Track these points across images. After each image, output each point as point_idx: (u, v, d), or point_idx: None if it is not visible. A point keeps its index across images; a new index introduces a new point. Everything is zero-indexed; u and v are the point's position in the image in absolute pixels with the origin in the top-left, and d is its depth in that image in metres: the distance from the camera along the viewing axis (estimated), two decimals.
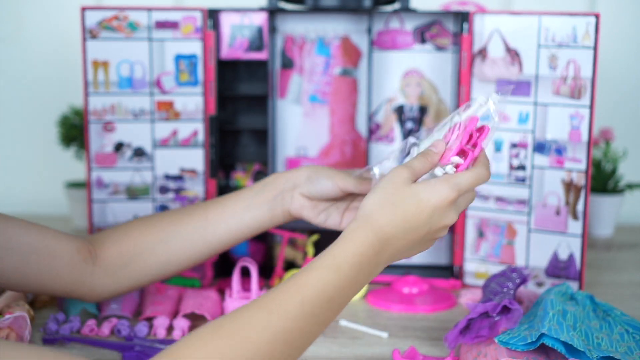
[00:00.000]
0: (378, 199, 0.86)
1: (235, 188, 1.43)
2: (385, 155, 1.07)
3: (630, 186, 1.64)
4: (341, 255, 0.82)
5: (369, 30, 1.33)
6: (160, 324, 1.11)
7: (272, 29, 1.36)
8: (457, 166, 0.91)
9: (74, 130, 1.59)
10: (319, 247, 1.33)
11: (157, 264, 1.08)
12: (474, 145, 0.92)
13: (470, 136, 0.92)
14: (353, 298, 1.25)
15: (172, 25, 1.30)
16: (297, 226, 1.38)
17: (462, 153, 0.92)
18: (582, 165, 1.23)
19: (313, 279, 0.80)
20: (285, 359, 0.78)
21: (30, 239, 0.99)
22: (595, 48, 1.20)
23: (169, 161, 1.32)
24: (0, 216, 0.99)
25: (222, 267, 1.34)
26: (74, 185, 1.66)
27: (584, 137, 1.22)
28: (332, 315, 0.82)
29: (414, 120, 1.38)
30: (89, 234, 1.09)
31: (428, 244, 0.89)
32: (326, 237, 1.35)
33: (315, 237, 1.30)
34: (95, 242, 1.06)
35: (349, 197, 1.08)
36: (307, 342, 0.80)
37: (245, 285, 1.21)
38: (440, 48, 1.36)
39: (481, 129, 0.93)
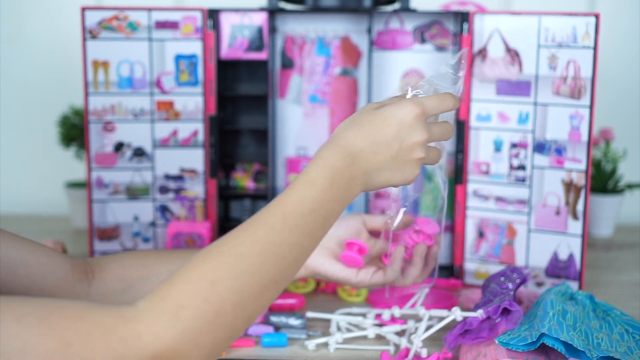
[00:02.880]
0: (346, 122, 0.89)
1: (236, 188, 1.43)
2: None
3: (630, 186, 1.64)
4: (313, 171, 0.84)
5: (369, 30, 1.33)
6: None
7: (272, 29, 1.36)
8: None
9: (74, 130, 1.59)
10: None
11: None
12: None
13: None
14: (354, 299, 1.25)
15: (172, 25, 1.30)
16: None
17: None
18: (582, 165, 1.23)
19: (291, 195, 0.82)
20: (280, 273, 0.79)
21: (20, 252, 0.93)
22: (595, 48, 1.20)
23: (169, 161, 1.32)
24: None
25: None
26: (74, 185, 1.66)
27: (584, 137, 1.22)
28: (319, 227, 0.83)
29: None
30: (89, 257, 1.05)
31: (406, 166, 0.90)
32: None
33: None
34: (95, 265, 1.01)
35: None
36: (299, 256, 0.81)
37: None
38: (440, 48, 1.37)
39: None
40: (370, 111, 0.90)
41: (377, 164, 0.88)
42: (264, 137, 1.38)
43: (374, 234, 1.14)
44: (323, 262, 1.07)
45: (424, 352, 1.02)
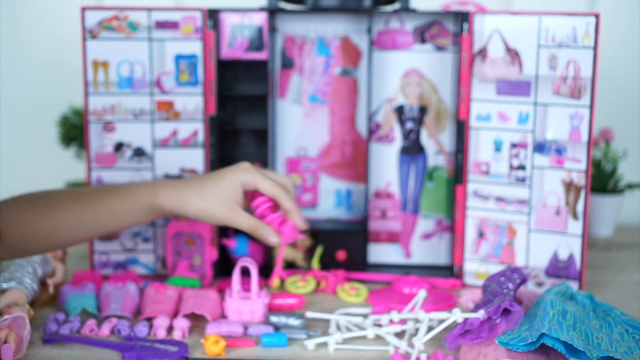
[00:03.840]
0: None
1: None
2: None
3: (630, 186, 1.64)
4: None
5: (369, 30, 1.33)
6: (160, 324, 1.11)
7: (272, 29, 1.36)
8: None
9: (74, 130, 1.59)
10: (323, 259, 1.34)
11: (52, 246, 1.13)
12: None
13: None
14: (354, 299, 1.25)
15: (172, 25, 1.30)
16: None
17: None
18: (582, 165, 1.23)
19: None
20: None
21: None
22: (595, 48, 1.20)
23: (169, 161, 1.32)
24: None
25: (222, 267, 1.34)
26: (74, 185, 1.66)
27: (584, 137, 1.22)
28: None
29: (414, 120, 1.38)
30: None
31: None
32: (329, 248, 1.36)
33: (319, 250, 1.31)
34: (1, 221, 1.08)
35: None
36: None
37: (245, 285, 1.21)
38: (440, 48, 1.37)
39: None
40: None
41: None
42: (264, 137, 1.38)
43: (250, 194, 1.16)
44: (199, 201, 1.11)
45: (423, 357, 1.02)
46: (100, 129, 1.31)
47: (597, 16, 1.20)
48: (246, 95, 1.40)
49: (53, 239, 1.12)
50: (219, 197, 1.11)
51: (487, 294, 1.13)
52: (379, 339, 1.10)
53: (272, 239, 1.12)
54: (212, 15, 1.30)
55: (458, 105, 1.30)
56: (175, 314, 1.16)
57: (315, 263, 1.34)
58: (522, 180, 1.27)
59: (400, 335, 1.10)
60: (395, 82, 1.38)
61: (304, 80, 1.41)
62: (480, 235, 1.31)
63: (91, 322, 1.12)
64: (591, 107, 1.22)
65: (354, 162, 1.42)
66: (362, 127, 1.41)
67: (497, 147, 1.29)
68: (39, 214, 1.10)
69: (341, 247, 1.33)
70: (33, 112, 1.79)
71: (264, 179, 1.12)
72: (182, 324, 1.11)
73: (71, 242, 1.14)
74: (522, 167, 1.27)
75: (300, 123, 1.42)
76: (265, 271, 1.34)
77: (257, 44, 1.35)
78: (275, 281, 1.31)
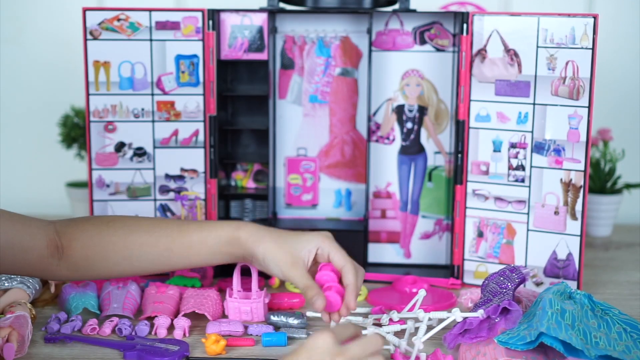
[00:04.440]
0: None
1: (236, 188, 1.44)
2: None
3: (629, 186, 1.65)
4: None
5: (369, 31, 1.34)
6: (161, 324, 1.11)
7: (273, 30, 1.37)
8: None
9: (76, 130, 1.59)
10: None
11: (118, 271, 1.12)
12: None
13: None
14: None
15: (173, 25, 1.30)
16: (297, 226, 1.39)
17: None
18: (581, 166, 1.24)
19: None
20: None
21: (7, 236, 1.02)
22: (593, 49, 1.21)
23: (169, 161, 1.33)
24: None
25: (222, 267, 1.35)
26: (75, 185, 1.67)
27: (583, 137, 1.23)
28: None
29: (413, 120, 1.39)
30: (57, 220, 1.12)
31: None
32: None
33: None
34: (64, 237, 1.08)
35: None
36: None
37: (246, 285, 1.21)
38: (440, 48, 1.37)
39: None
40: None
41: None
42: (264, 137, 1.39)
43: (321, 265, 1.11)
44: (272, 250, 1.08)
45: (423, 357, 1.02)
46: (101, 129, 1.31)
47: (595, 17, 1.21)
48: (246, 95, 1.40)
49: (123, 264, 1.10)
50: (290, 250, 1.07)
51: (486, 293, 1.13)
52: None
53: (318, 303, 1.04)
54: (213, 16, 1.31)
55: (457, 105, 1.30)
56: (176, 314, 1.16)
57: None
58: (521, 180, 1.28)
59: (400, 334, 1.11)
60: (395, 83, 1.39)
61: (304, 81, 1.41)
62: (480, 234, 1.32)
63: (92, 322, 1.13)
64: (589, 107, 1.22)
65: (354, 162, 1.43)
66: (362, 127, 1.42)
67: (497, 147, 1.29)
68: (113, 236, 1.09)
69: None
70: (34, 112, 1.79)
71: (339, 250, 1.08)
72: (182, 323, 1.11)
73: (139, 270, 1.12)
74: (521, 167, 1.28)
75: (300, 123, 1.43)
76: None
77: (257, 44, 1.36)
78: (275, 281, 1.31)
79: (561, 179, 1.25)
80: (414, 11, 1.33)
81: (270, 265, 1.07)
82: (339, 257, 1.08)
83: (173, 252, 1.10)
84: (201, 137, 1.33)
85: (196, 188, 1.34)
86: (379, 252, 1.42)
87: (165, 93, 1.32)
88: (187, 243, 1.10)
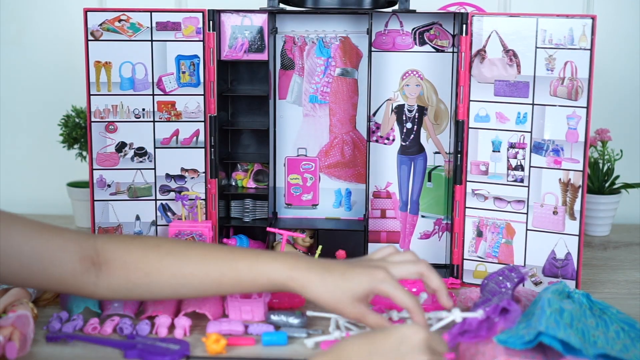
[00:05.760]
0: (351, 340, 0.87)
1: (236, 188, 1.44)
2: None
3: (627, 186, 1.65)
4: None
5: (369, 31, 1.34)
6: (162, 323, 1.12)
7: (273, 30, 1.37)
8: None
9: (77, 130, 1.60)
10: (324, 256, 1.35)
11: (161, 297, 1.10)
12: None
13: None
14: None
15: (174, 26, 1.31)
16: (297, 225, 1.39)
17: None
18: (579, 166, 1.24)
19: None
20: None
21: (33, 246, 0.99)
22: (591, 49, 1.22)
23: (170, 161, 1.33)
24: (4, 218, 0.99)
25: None
26: (76, 185, 1.67)
27: (581, 137, 1.24)
28: None
29: (413, 120, 1.40)
30: (99, 234, 1.07)
31: None
32: (329, 248, 1.36)
33: (319, 250, 1.32)
34: (102, 254, 1.04)
35: None
36: None
37: None
38: (439, 49, 1.38)
39: None
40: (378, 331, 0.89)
41: None
42: (264, 137, 1.39)
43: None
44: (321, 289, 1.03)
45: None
46: (102, 129, 1.32)
47: (593, 18, 1.21)
48: (247, 95, 1.41)
49: (167, 291, 1.06)
50: (341, 297, 1.02)
51: (485, 293, 1.14)
52: None
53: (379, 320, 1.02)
54: (213, 17, 1.31)
55: (457, 105, 1.31)
56: (176, 313, 1.17)
57: None
58: (520, 180, 1.28)
59: None
60: (394, 83, 1.39)
61: (304, 81, 1.42)
62: (479, 234, 1.32)
63: (94, 321, 1.13)
64: (588, 107, 1.23)
65: (354, 162, 1.43)
66: (362, 127, 1.42)
67: (496, 147, 1.30)
68: (160, 262, 1.05)
69: (341, 246, 1.33)
70: (36, 112, 1.79)
71: (397, 292, 1.00)
72: (183, 323, 1.12)
73: (183, 296, 1.10)
74: (520, 167, 1.28)
75: (301, 123, 1.43)
76: None
77: (257, 44, 1.36)
78: None
79: (560, 179, 1.26)
80: (413, 12, 1.33)
81: (322, 306, 1.04)
82: (401, 299, 1.00)
83: (221, 285, 1.06)
84: (202, 137, 1.33)
85: (197, 188, 1.34)
86: None
87: (165, 93, 1.32)
88: (236, 278, 1.05)
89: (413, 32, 1.38)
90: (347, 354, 0.85)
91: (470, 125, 1.30)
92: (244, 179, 1.44)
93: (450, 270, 1.36)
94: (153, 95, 1.32)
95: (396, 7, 1.36)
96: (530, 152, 1.27)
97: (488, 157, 1.30)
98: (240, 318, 1.16)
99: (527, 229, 1.29)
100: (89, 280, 1.03)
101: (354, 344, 0.87)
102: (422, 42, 1.38)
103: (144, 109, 1.32)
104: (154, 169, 1.34)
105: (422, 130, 1.40)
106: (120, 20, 1.30)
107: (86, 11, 1.30)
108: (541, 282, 1.28)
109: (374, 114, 1.40)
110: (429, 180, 1.41)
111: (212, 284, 1.05)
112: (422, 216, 1.42)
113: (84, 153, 1.62)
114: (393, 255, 1.06)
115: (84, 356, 1.05)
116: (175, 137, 1.33)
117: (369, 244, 1.40)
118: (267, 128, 1.37)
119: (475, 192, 1.31)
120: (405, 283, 1.28)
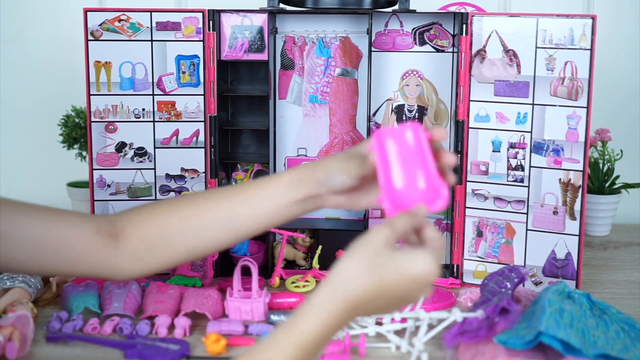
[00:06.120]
0: (355, 264, 0.81)
1: None
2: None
3: (627, 186, 1.65)
4: (308, 333, 0.80)
5: (369, 31, 1.34)
6: (162, 323, 1.12)
7: (273, 30, 1.37)
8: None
9: (77, 130, 1.60)
10: (323, 259, 1.35)
11: (184, 249, 1.03)
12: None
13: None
14: None
15: (174, 26, 1.31)
16: (297, 225, 1.39)
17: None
18: (580, 166, 1.24)
19: (280, 356, 0.79)
20: None
21: (41, 228, 0.96)
22: (591, 49, 1.22)
23: (170, 161, 1.33)
24: (10, 204, 0.97)
25: (222, 266, 1.35)
26: (76, 185, 1.67)
27: (581, 137, 1.24)
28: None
29: (413, 120, 1.40)
30: (113, 214, 1.05)
31: (397, 307, 0.85)
32: (329, 248, 1.37)
33: (319, 250, 1.32)
34: (117, 224, 1.01)
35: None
36: None
37: (246, 285, 1.22)
38: (439, 49, 1.38)
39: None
40: (384, 252, 0.82)
41: (371, 311, 0.83)
42: (264, 137, 1.39)
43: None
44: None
45: (424, 357, 1.03)
46: (102, 129, 1.32)
47: (593, 18, 1.21)
48: (247, 95, 1.41)
49: (186, 240, 1.01)
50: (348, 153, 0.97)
51: (485, 293, 1.14)
52: (379, 336, 1.11)
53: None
54: (213, 17, 1.31)
55: (457, 105, 1.31)
56: (176, 313, 1.17)
57: (315, 263, 1.35)
58: (520, 180, 1.29)
59: (400, 333, 1.11)
60: (394, 83, 1.39)
61: (304, 81, 1.42)
62: (479, 234, 1.32)
63: (94, 321, 1.13)
64: (588, 107, 1.23)
65: None
66: (362, 127, 1.42)
67: (496, 147, 1.30)
68: (168, 211, 1.01)
69: (341, 246, 1.33)
70: (35, 112, 1.79)
71: None
72: (183, 323, 1.12)
73: (205, 243, 1.03)
74: (520, 167, 1.28)
75: (301, 123, 1.43)
76: (266, 270, 1.36)
77: (257, 44, 1.36)
78: (275, 281, 1.32)
79: (560, 179, 1.26)
80: (413, 12, 1.33)
81: (336, 176, 0.96)
82: None
83: (235, 212, 1.00)
84: (202, 137, 1.33)
85: (196, 188, 1.34)
86: None
87: (165, 93, 1.32)
88: (248, 197, 1.00)
89: (413, 32, 1.38)
90: (357, 299, 0.81)
91: (470, 125, 1.30)
92: (244, 179, 1.44)
93: (450, 270, 1.36)
94: (153, 95, 1.32)
95: (396, 7, 1.36)
96: (531, 152, 1.27)
97: (488, 157, 1.30)
98: (240, 318, 1.17)
99: (527, 229, 1.29)
100: (110, 254, 0.99)
101: (366, 289, 0.81)
102: (422, 42, 1.38)
103: (144, 109, 1.32)
104: (154, 169, 1.34)
105: None
106: (120, 20, 1.30)
107: (86, 11, 1.30)
108: (541, 282, 1.28)
109: (374, 114, 1.40)
110: None
111: (226, 213, 1.01)
112: None
113: (84, 153, 1.62)
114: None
115: (83, 356, 1.05)
116: (175, 137, 1.33)
117: None
118: (267, 128, 1.37)
119: (476, 192, 1.31)
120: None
